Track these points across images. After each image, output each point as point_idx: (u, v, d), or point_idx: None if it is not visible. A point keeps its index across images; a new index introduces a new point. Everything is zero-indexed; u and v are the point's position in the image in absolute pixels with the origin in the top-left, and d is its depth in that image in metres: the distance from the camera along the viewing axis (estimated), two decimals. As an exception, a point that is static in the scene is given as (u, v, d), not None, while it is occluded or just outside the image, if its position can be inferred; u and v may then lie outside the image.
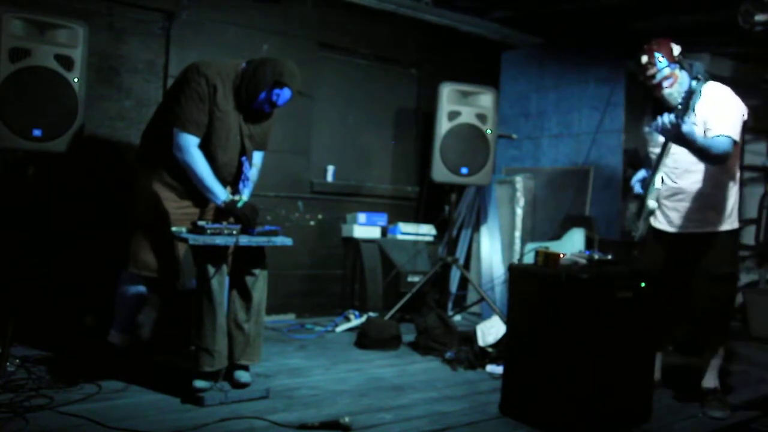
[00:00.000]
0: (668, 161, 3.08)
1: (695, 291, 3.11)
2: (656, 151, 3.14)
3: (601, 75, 5.37)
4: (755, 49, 5.04)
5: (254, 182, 3.30)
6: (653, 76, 2.99)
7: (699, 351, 3.26)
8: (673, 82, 2.99)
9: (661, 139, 3.03)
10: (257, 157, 3.30)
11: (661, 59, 2.97)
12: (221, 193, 3.01)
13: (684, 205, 3.10)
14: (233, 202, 2.99)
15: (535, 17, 5.32)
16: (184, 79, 3.02)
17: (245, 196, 3.14)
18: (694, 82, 2.84)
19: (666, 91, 3.00)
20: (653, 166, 3.09)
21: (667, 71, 2.97)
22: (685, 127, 2.69)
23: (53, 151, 3.07)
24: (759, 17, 3.88)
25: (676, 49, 3.01)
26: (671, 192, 3.12)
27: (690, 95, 2.80)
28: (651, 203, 3.10)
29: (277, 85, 3.02)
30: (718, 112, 2.92)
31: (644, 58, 3.01)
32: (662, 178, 3.10)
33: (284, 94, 3.06)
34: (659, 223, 3.20)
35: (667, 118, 2.67)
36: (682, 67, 3.01)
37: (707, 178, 3.04)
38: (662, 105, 3.02)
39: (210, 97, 2.99)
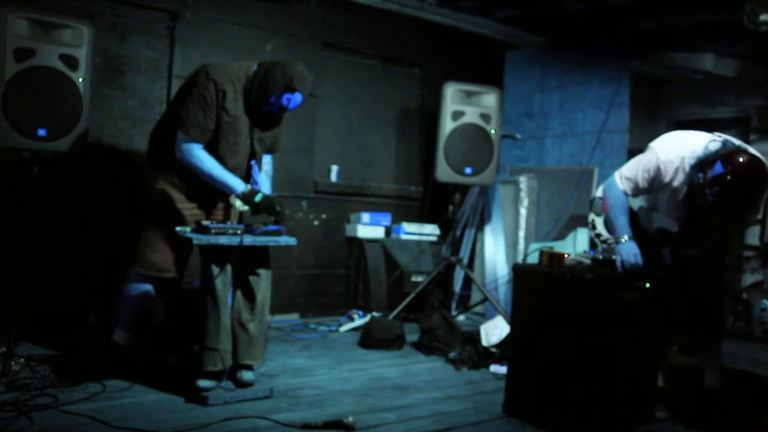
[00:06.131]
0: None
1: (702, 287, 3.10)
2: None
3: (606, 75, 5.35)
4: (760, 48, 5.03)
5: (270, 183, 3.31)
6: None
7: (701, 350, 3.24)
8: None
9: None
10: (266, 160, 3.29)
11: None
12: (238, 184, 2.98)
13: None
14: (252, 193, 2.97)
15: (538, 17, 5.31)
16: (193, 83, 2.99)
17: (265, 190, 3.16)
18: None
19: None
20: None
21: None
22: None
23: (58, 150, 3.07)
24: (764, 17, 3.87)
25: None
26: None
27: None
28: None
29: (288, 90, 2.97)
30: None
31: None
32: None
33: (295, 99, 3.01)
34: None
35: None
36: None
37: None
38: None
39: (218, 102, 2.96)
